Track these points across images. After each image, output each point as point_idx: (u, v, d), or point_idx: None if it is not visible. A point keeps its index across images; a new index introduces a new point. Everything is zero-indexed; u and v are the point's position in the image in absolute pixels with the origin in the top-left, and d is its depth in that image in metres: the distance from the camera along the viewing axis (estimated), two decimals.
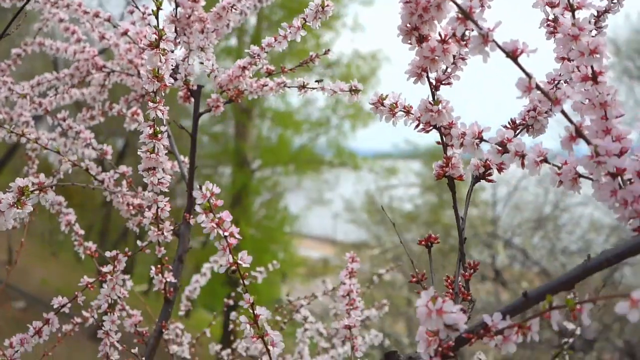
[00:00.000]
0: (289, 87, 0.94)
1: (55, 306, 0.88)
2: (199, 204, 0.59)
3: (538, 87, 0.49)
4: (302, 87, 0.92)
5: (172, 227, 0.88)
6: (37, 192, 0.64)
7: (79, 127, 1.07)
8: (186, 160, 1.06)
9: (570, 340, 1.15)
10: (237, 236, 0.60)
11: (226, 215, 0.61)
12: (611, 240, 6.66)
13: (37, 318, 0.93)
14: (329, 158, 11.35)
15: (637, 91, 8.59)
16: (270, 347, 0.62)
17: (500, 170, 0.65)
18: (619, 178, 0.49)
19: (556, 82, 0.66)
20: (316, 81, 0.93)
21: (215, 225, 0.60)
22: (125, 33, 1.01)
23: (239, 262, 0.61)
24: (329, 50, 0.96)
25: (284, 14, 10.30)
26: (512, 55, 0.49)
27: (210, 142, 11.21)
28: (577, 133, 0.50)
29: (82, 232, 1.06)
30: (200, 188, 0.59)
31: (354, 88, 0.79)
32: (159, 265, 0.93)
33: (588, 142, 0.49)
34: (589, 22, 0.69)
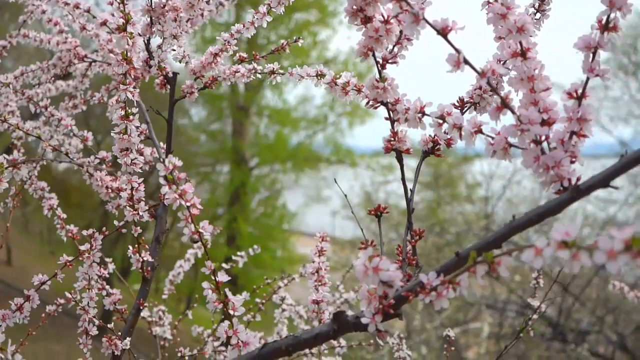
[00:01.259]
0: (259, 73, 0.98)
1: (35, 283, 0.92)
2: (161, 176, 0.63)
3: (466, 62, 0.53)
4: (272, 72, 0.96)
5: (147, 207, 0.92)
6: (10, 168, 0.68)
7: (60, 115, 1.10)
8: (164, 145, 1.10)
9: (535, 316, 1.19)
10: (199, 206, 0.65)
11: (188, 187, 0.65)
12: (603, 233, 6.70)
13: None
14: (327, 155, 11.40)
15: (632, 86, 8.60)
16: (231, 312, 0.66)
17: (448, 145, 0.70)
18: (542, 145, 0.54)
19: (502, 62, 0.70)
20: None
21: (177, 197, 0.64)
22: (104, 23, 1.05)
23: (201, 230, 0.65)
24: (299, 38, 1.00)
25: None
26: (443, 32, 0.53)
27: (208, 140, 11.25)
28: (503, 104, 0.54)
29: (64, 215, 1.10)
30: (164, 162, 0.63)
31: (319, 73, 0.83)
32: (136, 245, 0.97)
33: (513, 112, 0.53)
34: (533, 6, 0.73)
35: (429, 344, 5.06)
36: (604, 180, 0.49)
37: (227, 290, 0.67)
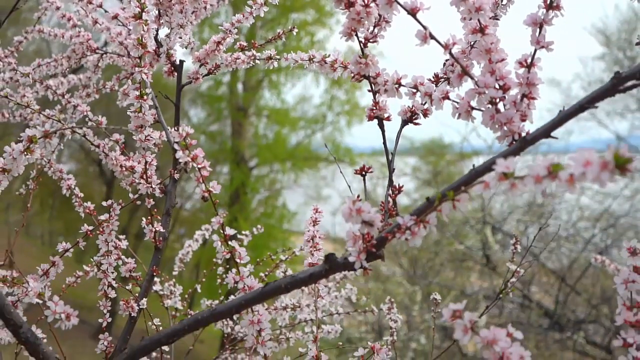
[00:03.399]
0: (258, 59, 1.08)
1: (60, 250, 1.02)
2: (176, 142, 0.73)
3: (432, 37, 0.63)
4: (270, 58, 1.06)
5: (159, 181, 1.02)
6: (42, 139, 0.78)
7: (76, 102, 1.21)
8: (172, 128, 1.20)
9: (513, 279, 1.29)
10: (208, 168, 0.75)
11: (199, 152, 0.75)
12: (599, 225, 6.83)
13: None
14: (326, 155, 11.48)
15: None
16: (237, 260, 0.76)
17: (425, 114, 0.80)
18: (498, 106, 0.64)
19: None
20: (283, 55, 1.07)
21: (190, 160, 0.74)
22: (115, 17, 1.15)
23: (210, 189, 0.75)
24: (293, 27, 1.10)
25: (277, 12, 10.45)
26: (412, 12, 0.63)
27: (208, 141, 11.34)
28: (463, 71, 0.64)
29: (81, 194, 1.20)
30: (177, 129, 0.73)
31: (311, 57, 0.93)
32: (149, 217, 1.07)
33: (472, 78, 0.64)
34: None
35: (428, 334, 5.16)
36: (545, 132, 0.59)
37: (234, 242, 0.77)
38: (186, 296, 1.44)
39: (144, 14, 0.79)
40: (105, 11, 1.20)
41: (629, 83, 0.58)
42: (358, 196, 0.76)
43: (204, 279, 1.60)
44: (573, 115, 0.58)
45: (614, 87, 0.57)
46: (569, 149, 8.66)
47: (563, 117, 0.59)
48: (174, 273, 1.47)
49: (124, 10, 1.20)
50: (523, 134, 0.63)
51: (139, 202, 1.05)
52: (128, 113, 0.92)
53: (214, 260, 0.92)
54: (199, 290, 1.51)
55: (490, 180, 0.52)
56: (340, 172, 1.06)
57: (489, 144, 7.90)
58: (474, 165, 0.63)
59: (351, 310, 1.30)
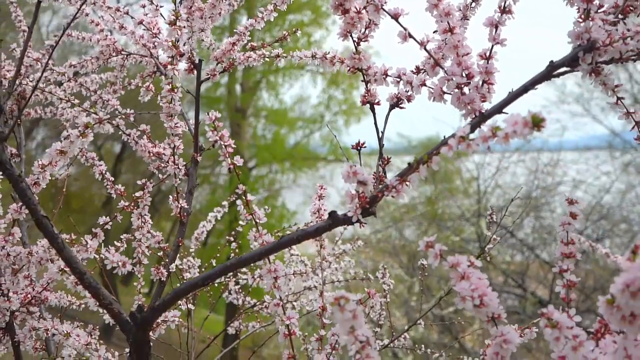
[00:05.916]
0: (267, 58, 1.25)
1: (100, 223, 1.20)
2: (207, 124, 0.90)
3: (410, 36, 0.81)
4: (277, 56, 1.23)
5: (185, 163, 1.20)
6: (97, 124, 0.95)
7: (107, 97, 1.38)
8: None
9: (490, 246, 1.46)
10: (233, 145, 0.92)
11: (225, 132, 0.92)
12: (591, 217, 7.03)
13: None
14: (324, 154, 11.64)
15: (622, 77, 8.83)
16: (257, 220, 0.94)
17: (409, 100, 0.97)
18: (463, 90, 0.81)
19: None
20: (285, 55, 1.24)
21: (218, 138, 0.91)
22: (140, 22, 1.33)
23: (235, 162, 0.92)
24: (297, 29, 1.27)
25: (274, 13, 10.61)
26: (395, 17, 0.80)
27: (207, 143, 11.49)
28: (436, 63, 0.81)
29: (112, 178, 1.37)
30: (208, 113, 0.90)
31: (313, 54, 1.10)
32: (175, 194, 1.24)
33: (442, 68, 0.81)
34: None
35: (426, 324, 5.32)
36: (498, 109, 0.77)
37: (254, 206, 0.94)
38: (203, 269, 1.61)
39: (178, 20, 0.96)
40: (132, 17, 1.38)
41: (561, 70, 0.75)
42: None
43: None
44: (519, 95, 0.76)
45: (549, 73, 0.75)
46: (563, 146, 8.86)
47: (511, 97, 0.76)
48: (191, 250, 1.64)
49: (146, 16, 1.38)
50: (483, 111, 0.80)
51: (167, 181, 1.22)
52: (159, 104, 1.09)
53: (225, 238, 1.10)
54: (193, 307, 1.66)
55: (452, 143, 0.69)
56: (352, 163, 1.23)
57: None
58: (444, 136, 0.80)
59: (350, 278, 1.48)
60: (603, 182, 7.90)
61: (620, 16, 0.77)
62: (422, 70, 0.96)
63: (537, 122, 0.58)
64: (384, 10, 0.80)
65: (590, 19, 0.74)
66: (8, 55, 1.71)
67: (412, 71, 0.96)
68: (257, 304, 1.48)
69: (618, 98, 0.78)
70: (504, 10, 0.81)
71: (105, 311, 0.89)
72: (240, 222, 0.93)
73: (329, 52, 1.00)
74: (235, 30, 1.21)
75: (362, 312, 0.68)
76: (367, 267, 6.45)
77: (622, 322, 0.57)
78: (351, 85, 11.18)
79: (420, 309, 1.77)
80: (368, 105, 0.93)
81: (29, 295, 1.12)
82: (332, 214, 0.87)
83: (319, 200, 1.22)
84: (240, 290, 1.64)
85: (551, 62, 0.75)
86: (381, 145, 0.94)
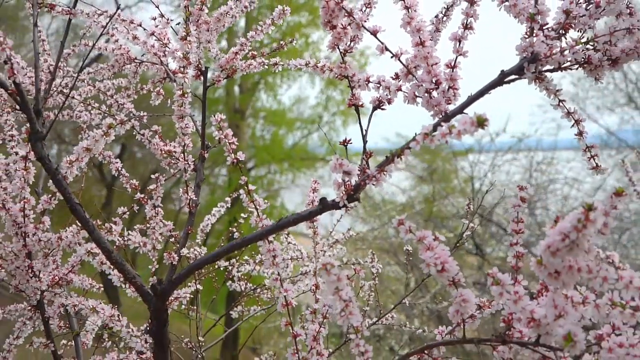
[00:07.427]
0: (266, 65, 1.40)
1: (119, 213, 1.34)
2: (213, 125, 1.05)
3: (387, 49, 0.96)
4: (276, 64, 1.39)
5: (193, 159, 1.35)
6: (119, 125, 1.11)
7: (123, 101, 1.53)
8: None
9: (468, 233, 1.61)
10: (235, 143, 1.07)
11: (229, 131, 1.07)
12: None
13: None
14: (322, 155, 11.79)
15: (617, 76, 8.96)
16: (257, 207, 1.09)
17: (389, 102, 1.12)
18: (432, 94, 0.96)
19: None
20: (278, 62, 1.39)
21: (223, 137, 1.06)
22: (152, 34, 1.48)
23: (238, 157, 1.07)
24: (293, 39, 1.43)
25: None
26: (373, 33, 0.96)
27: (212, 141, 11.62)
28: (408, 71, 0.97)
29: (127, 174, 1.52)
30: (214, 115, 1.05)
31: (307, 63, 1.25)
32: (185, 187, 1.39)
33: (414, 76, 0.96)
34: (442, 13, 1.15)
35: (421, 317, 5.49)
36: (459, 110, 0.92)
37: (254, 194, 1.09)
38: None
39: (189, 36, 1.11)
40: (144, 29, 1.53)
41: (511, 77, 0.90)
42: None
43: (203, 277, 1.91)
44: (476, 99, 0.91)
45: (500, 80, 0.90)
46: (558, 145, 9.02)
47: (469, 101, 0.91)
48: (197, 241, 1.79)
49: (157, 28, 1.53)
50: (448, 112, 0.95)
51: (178, 176, 1.37)
52: (172, 107, 1.24)
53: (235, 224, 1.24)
54: (201, 288, 1.81)
55: (418, 139, 0.84)
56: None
57: (479, 142, 8.27)
58: (416, 133, 0.95)
59: (342, 263, 1.63)
60: (597, 180, 8.07)
61: (562, 31, 0.92)
62: (400, 77, 1.12)
63: (481, 122, 0.73)
64: (365, 28, 0.95)
65: (534, 35, 0.89)
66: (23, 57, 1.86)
67: (392, 77, 1.11)
68: (258, 288, 1.63)
69: (560, 101, 0.93)
70: (466, 27, 0.97)
71: (129, 285, 1.04)
72: (241, 218, 1.08)
73: (319, 61, 1.15)
74: (237, 41, 1.36)
75: (346, 278, 0.83)
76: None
77: (549, 279, 0.73)
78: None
79: (408, 294, 1.92)
80: (353, 107, 1.09)
81: (56, 277, 1.27)
82: (322, 200, 1.02)
83: (314, 193, 1.37)
84: (242, 277, 1.80)
85: (502, 71, 0.90)
86: (365, 142, 1.09)
